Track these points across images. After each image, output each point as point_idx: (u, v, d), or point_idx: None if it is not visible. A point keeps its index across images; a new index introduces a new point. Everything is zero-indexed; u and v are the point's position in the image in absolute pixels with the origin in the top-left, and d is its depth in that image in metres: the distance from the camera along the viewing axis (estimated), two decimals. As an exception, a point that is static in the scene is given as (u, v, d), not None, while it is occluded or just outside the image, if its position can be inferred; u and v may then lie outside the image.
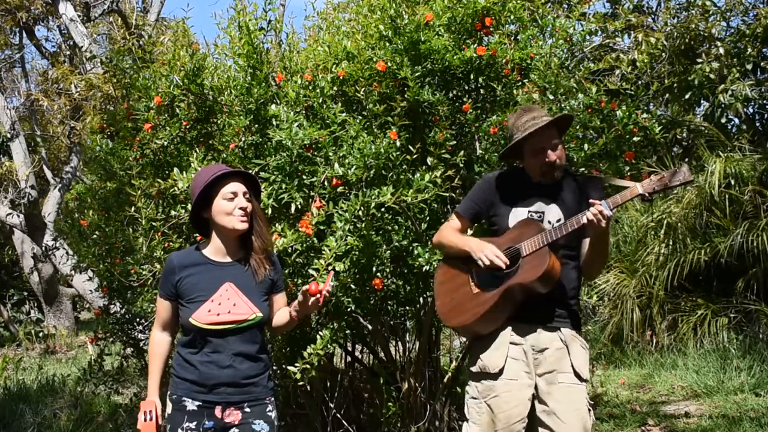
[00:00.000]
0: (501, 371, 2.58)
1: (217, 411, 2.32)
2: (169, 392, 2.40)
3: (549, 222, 2.62)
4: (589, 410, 2.61)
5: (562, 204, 2.64)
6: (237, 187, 2.37)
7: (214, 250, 2.42)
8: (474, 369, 2.67)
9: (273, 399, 2.43)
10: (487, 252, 2.55)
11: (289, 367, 3.03)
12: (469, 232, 3.20)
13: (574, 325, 2.67)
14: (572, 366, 2.59)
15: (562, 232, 2.49)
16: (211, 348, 2.33)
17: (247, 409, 2.35)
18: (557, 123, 2.63)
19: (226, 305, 2.33)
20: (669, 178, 2.40)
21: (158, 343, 2.45)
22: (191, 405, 2.33)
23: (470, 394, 2.68)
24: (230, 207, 2.34)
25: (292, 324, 2.49)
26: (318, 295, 2.29)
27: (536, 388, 2.60)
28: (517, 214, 2.65)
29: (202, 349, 2.34)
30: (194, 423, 2.32)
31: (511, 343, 2.60)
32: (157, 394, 2.41)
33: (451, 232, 2.76)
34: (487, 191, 2.73)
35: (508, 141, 2.72)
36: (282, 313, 2.48)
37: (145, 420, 2.34)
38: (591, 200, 2.43)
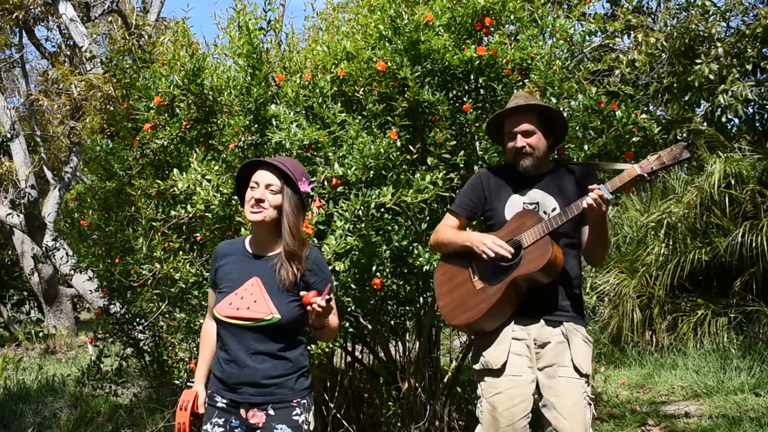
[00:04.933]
0: (503, 367, 2.57)
1: (242, 411, 2.26)
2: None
3: (545, 212, 2.61)
4: (589, 404, 2.58)
5: (556, 193, 2.63)
6: (261, 176, 2.28)
7: (251, 242, 2.37)
8: (477, 367, 2.66)
9: (305, 401, 2.29)
10: (489, 244, 2.52)
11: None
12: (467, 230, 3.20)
13: (577, 316, 2.66)
14: (572, 360, 2.57)
15: (563, 219, 2.49)
16: (232, 344, 2.26)
17: (271, 412, 2.24)
18: (537, 111, 2.63)
19: (248, 300, 2.26)
20: (666, 158, 2.38)
21: (206, 332, 2.42)
22: (221, 402, 2.29)
23: (477, 394, 2.68)
24: (248, 196, 2.29)
25: (319, 333, 2.33)
26: (309, 306, 2.15)
27: (537, 381, 2.59)
28: (512, 205, 2.65)
29: (225, 345, 2.29)
30: (222, 420, 2.27)
31: (513, 338, 2.59)
32: (201, 383, 2.39)
33: (448, 230, 2.74)
34: (479, 187, 2.73)
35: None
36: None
37: (181, 409, 2.33)
38: (590, 186, 2.42)
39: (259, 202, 2.26)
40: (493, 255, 2.52)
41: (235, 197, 3.08)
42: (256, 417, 2.25)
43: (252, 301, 2.25)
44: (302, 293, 2.18)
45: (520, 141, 2.60)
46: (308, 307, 2.16)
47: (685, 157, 2.36)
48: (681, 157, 2.37)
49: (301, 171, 2.34)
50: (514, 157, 2.65)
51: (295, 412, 2.26)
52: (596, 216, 2.47)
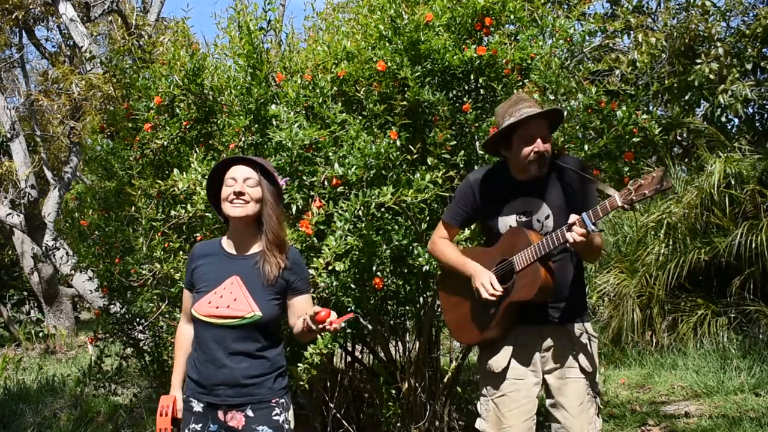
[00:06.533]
0: (505, 370, 2.60)
1: (220, 414, 2.23)
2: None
3: (538, 221, 2.59)
4: (594, 398, 2.63)
5: (549, 200, 2.60)
6: (238, 171, 2.28)
7: (229, 241, 2.36)
8: (482, 369, 2.72)
9: (283, 401, 2.28)
10: (482, 290, 2.52)
11: (291, 368, 3.02)
12: (467, 231, 3.21)
13: (580, 315, 2.66)
14: (578, 361, 2.60)
15: (550, 246, 2.46)
16: (210, 344, 2.23)
17: (251, 413, 2.22)
18: (549, 116, 2.60)
19: (227, 299, 2.23)
20: (647, 189, 2.28)
21: (182, 335, 2.39)
22: (197, 406, 2.26)
23: (481, 392, 2.72)
24: (227, 192, 2.27)
25: (305, 335, 2.30)
26: (321, 324, 2.12)
27: (546, 384, 2.62)
28: (506, 219, 2.62)
29: (201, 346, 2.26)
30: (200, 425, 2.24)
31: (516, 345, 2.61)
32: (178, 388, 2.35)
33: (446, 247, 2.73)
34: (471, 195, 2.68)
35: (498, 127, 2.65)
36: (300, 321, 2.26)
37: (161, 415, 2.29)
38: (570, 221, 2.38)
39: (239, 195, 2.25)
40: (483, 299, 2.53)
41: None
42: (235, 419, 2.22)
43: (232, 299, 2.24)
44: (316, 309, 2.16)
45: (542, 145, 2.52)
46: (320, 325, 2.13)
47: (665, 187, 2.28)
48: (662, 187, 2.28)
49: (273, 167, 2.38)
50: (528, 163, 2.54)
51: (274, 413, 2.25)
52: (580, 248, 2.44)
